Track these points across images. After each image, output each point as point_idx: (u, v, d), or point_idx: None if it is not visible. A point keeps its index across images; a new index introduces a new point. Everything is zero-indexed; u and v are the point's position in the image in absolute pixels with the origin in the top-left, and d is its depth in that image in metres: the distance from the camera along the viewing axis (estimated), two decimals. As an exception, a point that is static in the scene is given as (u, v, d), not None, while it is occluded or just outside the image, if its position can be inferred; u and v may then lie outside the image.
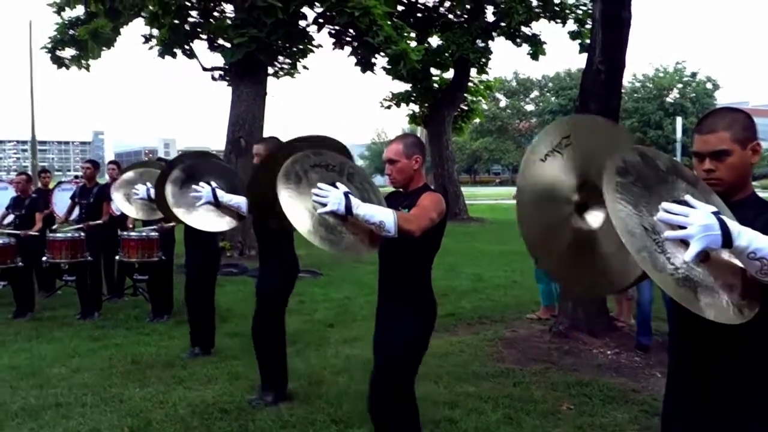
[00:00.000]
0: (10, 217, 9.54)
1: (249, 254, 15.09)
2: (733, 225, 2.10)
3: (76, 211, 9.61)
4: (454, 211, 24.68)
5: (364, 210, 3.39)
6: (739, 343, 2.36)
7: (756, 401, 2.39)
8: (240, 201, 5.50)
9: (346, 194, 3.39)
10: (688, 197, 2.17)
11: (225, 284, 10.78)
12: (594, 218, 2.56)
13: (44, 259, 8.99)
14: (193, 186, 5.52)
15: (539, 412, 5.42)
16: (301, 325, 8.38)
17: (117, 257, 9.10)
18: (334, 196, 3.36)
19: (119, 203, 7.47)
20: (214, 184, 5.52)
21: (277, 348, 5.81)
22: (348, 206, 3.36)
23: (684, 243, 2.10)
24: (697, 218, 2.08)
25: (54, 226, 9.83)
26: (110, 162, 10.69)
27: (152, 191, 6.50)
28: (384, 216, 3.40)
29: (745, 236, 2.08)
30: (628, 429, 5.09)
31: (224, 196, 5.46)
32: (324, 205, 3.37)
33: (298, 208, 3.48)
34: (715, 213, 2.11)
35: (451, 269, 12.56)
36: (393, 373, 3.95)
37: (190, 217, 5.87)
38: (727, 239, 2.07)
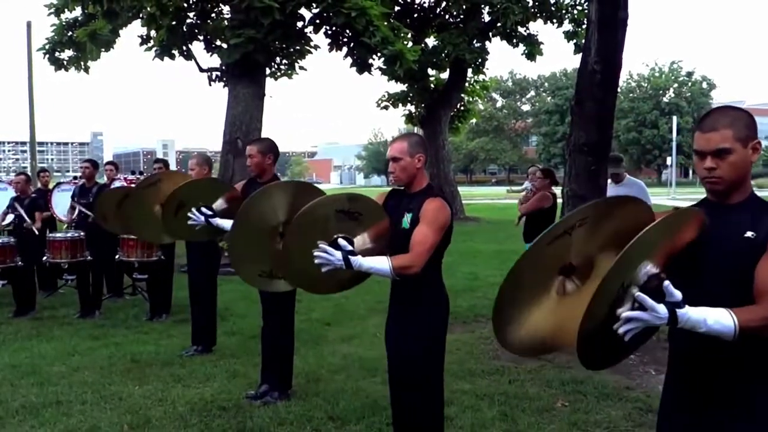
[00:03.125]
0: (10, 217, 9.59)
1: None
2: (682, 316, 2.23)
3: (76, 211, 9.65)
4: (451, 210, 24.62)
5: (366, 267, 3.67)
6: (737, 353, 2.39)
7: (746, 403, 2.42)
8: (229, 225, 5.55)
9: (345, 258, 3.60)
10: (638, 296, 2.24)
11: (223, 283, 10.75)
12: (571, 287, 2.58)
13: (44, 258, 9.05)
14: (188, 214, 5.46)
15: (534, 409, 5.47)
16: (298, 323, 8.35)
17: (116, 256, 9.16)
18: (336, 260, 3.59)
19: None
20: (205, 210, 5.50)
21: (288, 346, 5.89)
22: (348, 267, 3.62)
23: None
24: (655, 316, 2.21)
25: (65, 226, 9.88)
26: (108, 163, 10.74)
27: None
28: (381, 268, 3.68)
29: (689, 323, 2.24)
30: (622, 426, 5.13)
31: (214, 220, 5.46)
32: (327, 264, 3.62)
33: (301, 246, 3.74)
34: (668, 314, 2.22)
35: (447, 268, 12.39)
36: (425, 382, 3.97)
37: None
38: (670, 323, 2.24)
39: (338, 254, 3.58)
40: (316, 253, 3.59)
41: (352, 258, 3.60)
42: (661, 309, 2.19)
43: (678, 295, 2.23)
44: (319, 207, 3.80)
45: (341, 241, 3.66)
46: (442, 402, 4.11)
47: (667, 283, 2.23)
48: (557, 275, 2.54)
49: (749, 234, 2.40)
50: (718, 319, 2.23)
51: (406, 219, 3.86)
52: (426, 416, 3.99)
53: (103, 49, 19.21)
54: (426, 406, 3.98)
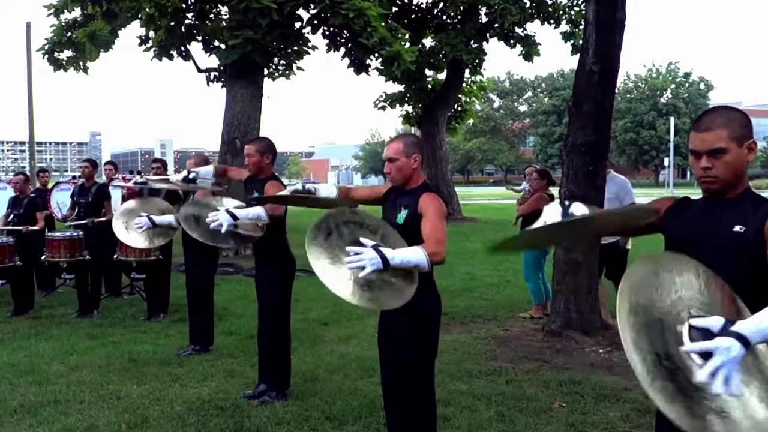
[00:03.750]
0: (9, 217, 9.59)
1: (244, 254, 15.14)
2: (746, 328, 2.01)
3: (75, 210, 9.66)
4: (448, 211, 24.61)
5: (399, 258, 3.38)
6: None
7: None
8: (258, 212, 5.30)
9: (377, 249, 3.35)
10: (695, 322, 2.09)
11: (220, 283, 10.80)
12: None
13: (43, 257, 9.05)
14: (207, 219, 5.23)
15: (532, 409, 5.46)
16: (296, 323, 8.39)
17: (115, 256, 9.16)
18: (368, 256, 3.32)
19: (119, 234, 7.26)
20: (227, 205, 5.35)
21: (285, 346, 5.89)
22: (384, 260, 3.33)
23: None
24: (722, 349, 1.97)
25: (67, 223, 9.87)
26: (107, 162, 10.76)
27: (155, 219, 6.65)
28: (418, 259, 3.43)
29: (757, 334, 2.02)
30: (620, 426, 5.13)
31: (241, 212, 5.24)
32: (362, 267, 3.32)
33: (327, 266, 3.44)
34: (736, 336, 1.99)
35: (444, 268, 12.51)
36: (418, 382, 3.97)
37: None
38: (745, 346, 1.99)
39: (370, 250, 3.33)
40: (347, 259, 3.35)
41: (385, 251, 3.35)
42: (726, 342, 1.98)
43: (716, 322, 2.07)
44: (328, 219, 3.61)
45: (363, 240, 3.44)
46: (435, 402, 4.12)
47: (694, 321, 2.10)
48: None
49: (738, 228, 2.44)
50: None
51: (401, 215, 3.89)
52: (420, 417, 4.00)
53: (102, 50, 19.30)
54: (420, 407, 4.00)
